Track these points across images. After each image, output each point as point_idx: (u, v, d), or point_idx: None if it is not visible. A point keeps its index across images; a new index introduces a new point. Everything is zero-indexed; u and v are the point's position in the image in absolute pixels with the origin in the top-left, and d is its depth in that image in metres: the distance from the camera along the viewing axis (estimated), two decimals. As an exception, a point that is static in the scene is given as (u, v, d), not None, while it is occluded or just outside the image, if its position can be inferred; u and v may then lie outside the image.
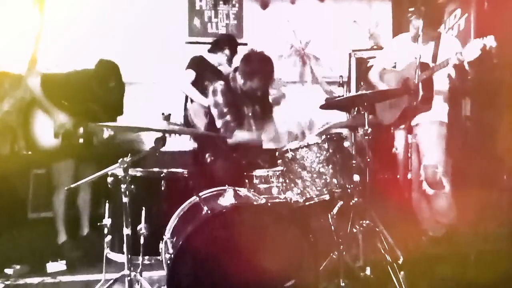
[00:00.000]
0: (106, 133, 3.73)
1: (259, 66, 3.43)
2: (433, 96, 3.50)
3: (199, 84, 4.46)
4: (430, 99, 3.49)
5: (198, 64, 4.55)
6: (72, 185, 2.99)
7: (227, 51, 4.60)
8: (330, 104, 3.60)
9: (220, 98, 3.48)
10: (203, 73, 4.49)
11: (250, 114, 3.62)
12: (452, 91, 3.68)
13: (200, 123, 4.31)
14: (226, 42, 4.66)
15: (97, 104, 3.77)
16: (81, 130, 3.70)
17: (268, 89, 3.80)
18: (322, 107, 3.32)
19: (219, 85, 3.52)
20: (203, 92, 4.37)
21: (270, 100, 3.95)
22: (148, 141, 3.93)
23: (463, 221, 3.55)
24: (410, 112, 3.54)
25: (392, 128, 3.82)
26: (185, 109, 4.61)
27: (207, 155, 3.57)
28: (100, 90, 3.78)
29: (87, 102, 3.75)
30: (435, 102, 3.55)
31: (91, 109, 3.74)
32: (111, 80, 3.81)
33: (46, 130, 3.65)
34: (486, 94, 4.08)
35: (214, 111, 3.50)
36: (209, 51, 4.67)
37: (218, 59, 4.64)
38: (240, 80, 3.49)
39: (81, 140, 3.69)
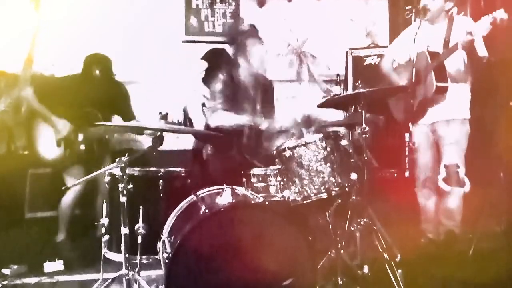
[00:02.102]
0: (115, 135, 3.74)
1: (245, 38, 3.50)
2: (447, 86, 3.39)
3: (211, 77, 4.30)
4: (445, 89, 3.39)
5: (213, 57, 4.37)
6: (70, 186, 2.99)
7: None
8: (328, 102, 3.57)
9: (219, 86, 3.49)
10: (217, 66, 4.32)
11: (251, 108, 3.59)
12: (473, 85, 3.57)
13: (197, 115, 4.26)
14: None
15: (94, 107, 3.76)
16: (81, 136, 3.70)
17: (271, 82, 3.79)
18: (320, 106, 3.31)
19: (221, 75, 3.54)
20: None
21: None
22: (144, 139, 3.92)
23: (464, 220, 3.54)
24: (424, 105, 3.51)
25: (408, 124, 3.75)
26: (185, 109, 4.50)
27: (204, 151, 3.56)
28: (87, 83, 3.76)
29: (83, 106, 3.75)
30: (456, 97, 3.46)
31: (89, 114, 3.73)
32: (94, 68, 3.78)
33: (49, 139, 3.68)
34: (483, 92, 4.07)
35: (212, 96, 3.52)
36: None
37: None
38: (238, 74, 3.53)
39: (82, 147, 3.70)
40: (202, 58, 4.40)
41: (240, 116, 3.47)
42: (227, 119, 3.44)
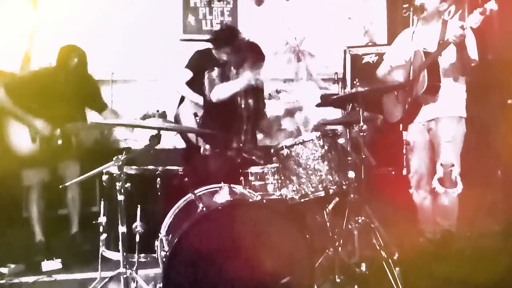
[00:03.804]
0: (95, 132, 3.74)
1: (248, 53, 3.46)
2: (439, 85, 3.36)
3: (197, 84, 4.23)
4: (437, 88, 3.36)
5: (198, 62, 4.37)
6: (67, 183, 2.98)
7: (227, 49, 4.16)
8: (326, 102, 3.56)
9: (215, 75, 3.48)
10: (202, 71, 4.35)
11: (243, 106, 3.57)
12: (469, 83, 3.54)
13: (189, 124, 4.25)
14: (224, 38, 4.24)
15: (69, 102, 3.73)
16: (58, 131, 3.69)
17: (262, 84, 3.78)
18: (318, 105, 3.31)
19: (216, 71, 3.53)
20: (200, 91, 4.29)
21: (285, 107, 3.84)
22: (142, 138, 3.91)
23: (461, 219, 3.54)
24: (416, 104, 3.48)
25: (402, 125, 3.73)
26: (177, 109, 4.51)
27: (202, 149, 3.56)
28: (63, 75, 3.73)
29: (58, 101, 3.69)
30: (453, 95, 3.45)
31: (64, 109, 3.69)
32: (71, 58, 3.74)
33: (22, 136, 3.64)
34: (480, 90, 4.08)
35: (207, 83, 3.50)
36: (213, 48, 4.35)
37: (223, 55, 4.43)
38: (233, 71, 3.50)
39: (59, 142, 3.68)
40: (186, 67, 4.36)
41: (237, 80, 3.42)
42: (226, 88, 3.39)
